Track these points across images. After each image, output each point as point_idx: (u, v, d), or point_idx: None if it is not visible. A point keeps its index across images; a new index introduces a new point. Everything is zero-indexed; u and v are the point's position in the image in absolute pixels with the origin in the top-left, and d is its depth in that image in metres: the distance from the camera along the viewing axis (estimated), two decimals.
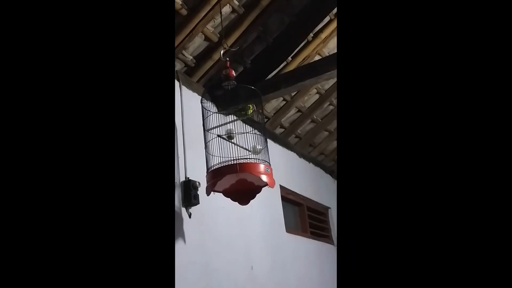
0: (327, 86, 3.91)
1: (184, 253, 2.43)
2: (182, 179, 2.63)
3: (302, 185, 4.18)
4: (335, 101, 4.08)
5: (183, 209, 2.58)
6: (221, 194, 2.44)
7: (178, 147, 2.67)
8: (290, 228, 3.78)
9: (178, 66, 2.86)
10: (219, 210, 2.82)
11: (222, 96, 2.67)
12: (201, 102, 2.47)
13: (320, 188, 4.53)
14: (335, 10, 3.21)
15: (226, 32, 2.76)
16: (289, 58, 3.36)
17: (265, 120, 3.44)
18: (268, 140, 2.54)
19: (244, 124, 2.60)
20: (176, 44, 2.67)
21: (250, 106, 2.52)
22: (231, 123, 2.57)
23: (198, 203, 2.60)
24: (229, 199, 2.46)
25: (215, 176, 2.29)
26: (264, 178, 2.27)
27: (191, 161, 2.69)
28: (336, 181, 4.75)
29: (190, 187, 2.59)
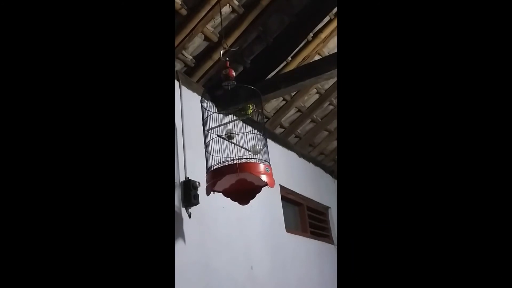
0: (327, 86, 3.91)
1: (184, 253, 2.43)
2: (182, 179, 2.63)
3: (302, 185, 4.18)
4: (335, 101, 4.08)
5: (183, 209, 2.58)
6: (221, 194, 2.44)
7: (178, 147, 2.66)
8: (290, 228, 3.78)
9: (178, 66, 2.86)
10: (219, 210, 2.82)
11: (222, 96, 2.67)
12: (201, 102, 2.46)
13: (320, 188, 4.53)
14: (335, 10, 3.21)
15: (226, 32, 2.76)
16: (289, 58, 3.36)
17: (265, 120, 3.44)
18: (268, 140, 2.54)
19: (244, 124, 2.60)
20: (176, 44, 2.67)
21: (250, 106, 2.52)
22: (231, 123, 2.57)
23: (198, 203, 2.60)
24: (229, 199, 2.45)
25: (215, 176, 2.29)
26: (264, 178, 2.27)
27: (191, 161, 2.69)
28: (336, 181, 4.75)
29: (190, 187, 2.59)
